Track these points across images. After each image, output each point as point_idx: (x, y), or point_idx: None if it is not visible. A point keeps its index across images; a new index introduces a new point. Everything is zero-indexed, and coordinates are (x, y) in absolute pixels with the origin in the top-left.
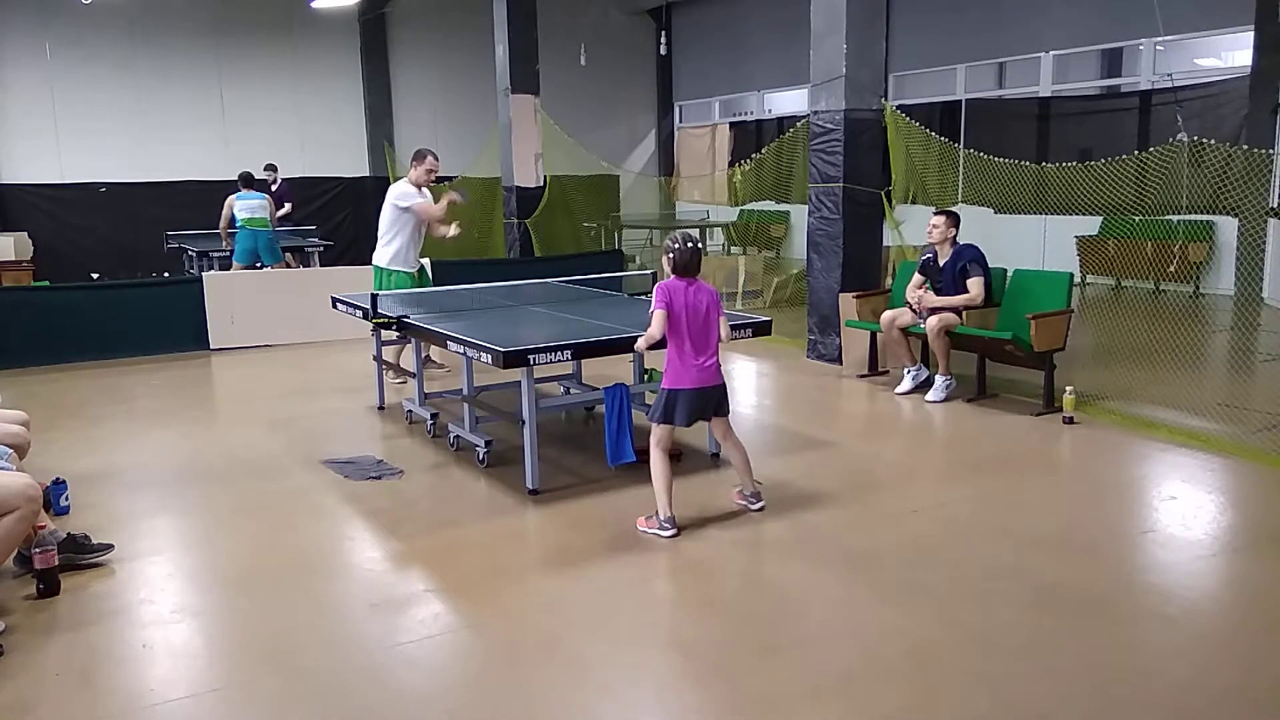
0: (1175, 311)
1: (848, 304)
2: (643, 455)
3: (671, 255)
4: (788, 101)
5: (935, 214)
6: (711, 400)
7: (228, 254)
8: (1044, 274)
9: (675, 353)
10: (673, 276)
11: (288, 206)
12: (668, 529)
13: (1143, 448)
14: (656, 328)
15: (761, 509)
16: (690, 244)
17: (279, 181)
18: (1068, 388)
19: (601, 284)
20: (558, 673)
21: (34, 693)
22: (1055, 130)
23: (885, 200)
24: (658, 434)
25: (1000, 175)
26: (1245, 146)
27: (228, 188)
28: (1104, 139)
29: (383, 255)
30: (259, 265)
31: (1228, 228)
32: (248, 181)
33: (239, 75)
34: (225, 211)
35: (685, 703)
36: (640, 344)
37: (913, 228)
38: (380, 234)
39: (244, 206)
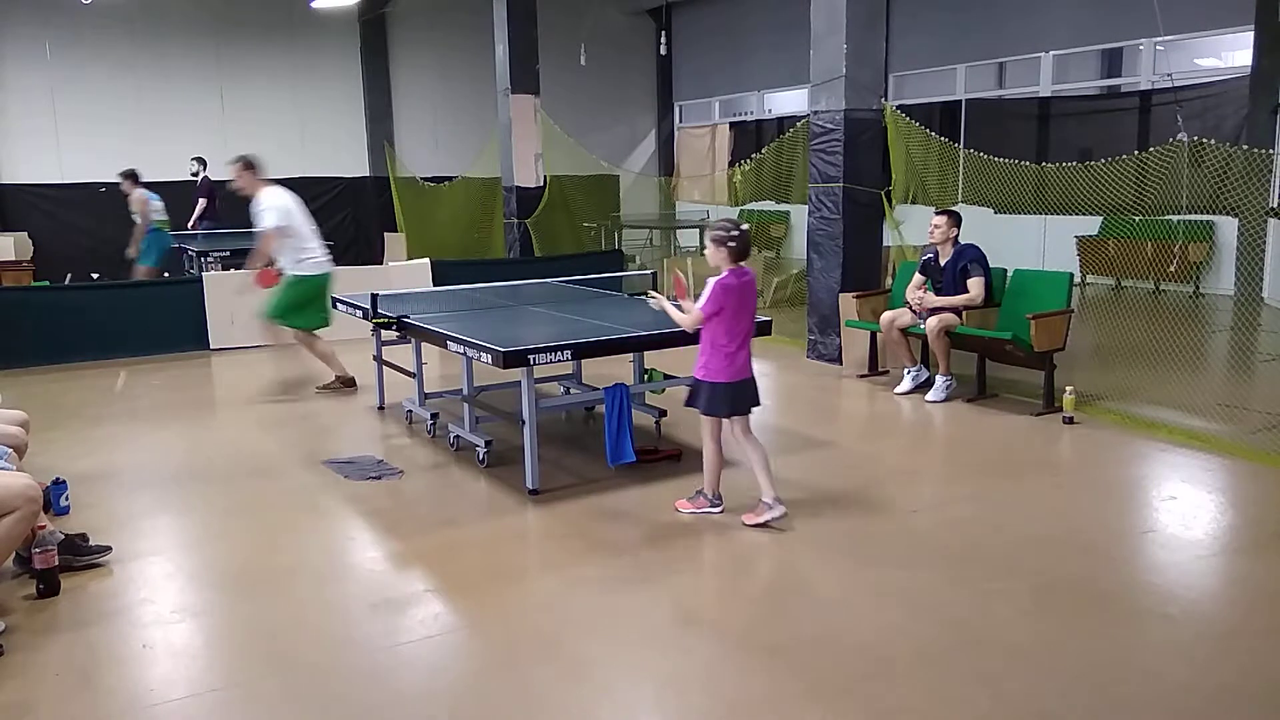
0: (1175, 311)
1: (848, 304)
2: (643, 455)
3: (733, 244)
4: (788, 101)
5: (937, 214)
6: (749, 392)
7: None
8: (1044, 274)
9: (722, 346)
10: (731, 269)
11: (201, 204)
12: (718, 505)
13: (1143, 448)
14: (692, 323)
15: (784, 514)
16: (744, 228)
17: (202, 177)
18: (1068, 388)
19: (601, 284)
20: (558, 673)
21: (34, 693)
22: (1055, 130)
23: (885, 200)
24: (709, 426)
25: (1000, 175)
26: (1245, 146)
27: (228, 187)
28: (1104, 139)
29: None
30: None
31: (1228, 228)
32: (135, 177)
33: (239, 75)
34: (140, 206)
35: (685, 703)
36: (684, 323)
37: (913, 228)
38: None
39: (158, 209)
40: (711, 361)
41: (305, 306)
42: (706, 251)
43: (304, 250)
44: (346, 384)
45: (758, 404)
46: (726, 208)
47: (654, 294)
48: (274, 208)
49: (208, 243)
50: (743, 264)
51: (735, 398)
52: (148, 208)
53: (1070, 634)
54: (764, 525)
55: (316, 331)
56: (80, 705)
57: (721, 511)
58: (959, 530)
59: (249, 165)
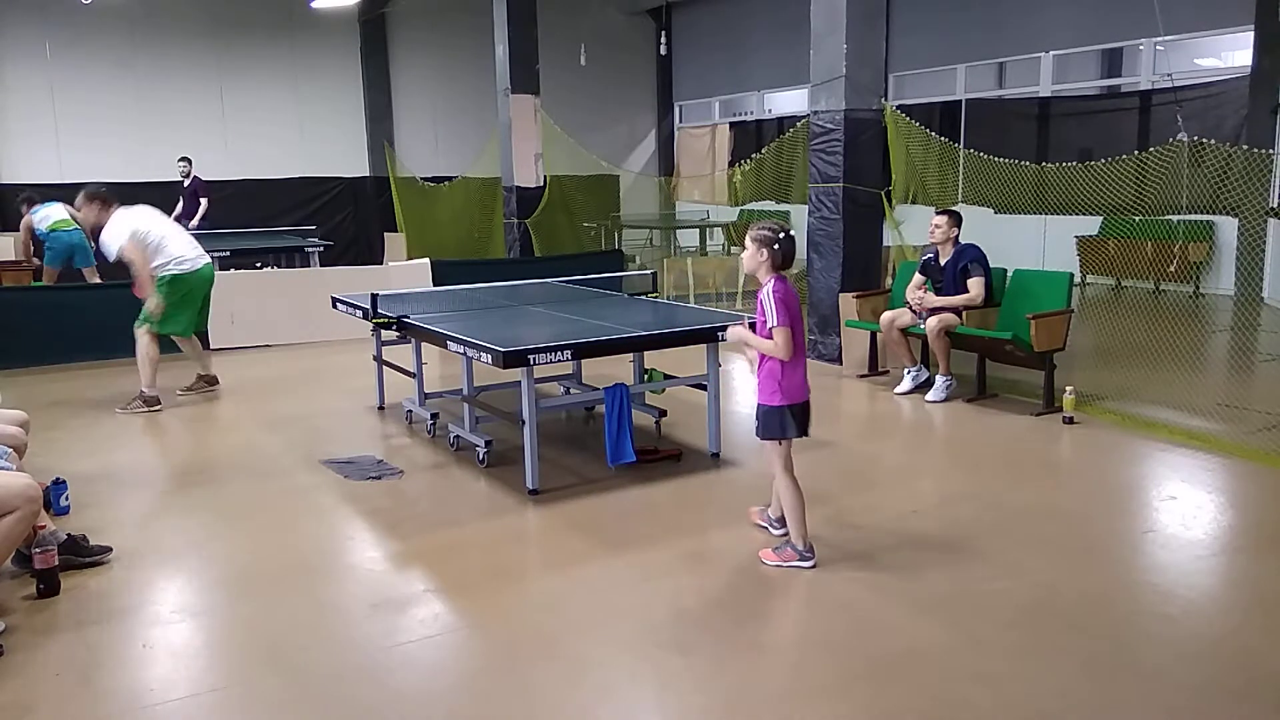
0: (1175, 311)
1: (848, 304)
2: (643, 455)
3: (778, 247)
4: (788, 101)
5: (937, 214)
6: (809, 413)
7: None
8: (1044, 274)
9: (795, 362)
10: (775, 275)
11: (203, 204)
12: (809, 559)
13: (1143, 448)
14: (785, 348)
15: (785, 535)
16: (791, 233)
17: (193, 177)
18: (1068, 388)
19: (601, 284)
20: (558, 673)
21: (34, 693)
22: (1055, 130)
23: (885, 200)
24: (783, 455)
25: (1000, 175)
26: (1245, 146)
27: (228, 187)
28: (1104, 139)
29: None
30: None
31: (1228, 228)
32: (31, 201)
33: (239, 75)
34: (23, 235)
35: (685, 703)
36: (776, 351)
37: (913, 228)
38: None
39: (43, 216)
40: (786, 382)
41: (177, 311)
42: (745, 254)
43: (171, 257)
44: (150, 403)
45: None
46: (726, 208)
47: (733, 327)
48: (116, 237)
49: (206, 243)
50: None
51: (803, 417)
52: (33, 232)
53: (1070, 633)
54: (764, 529)
55: (176, 336)
56: (80, 705)
57: (813, 566)
58: (959, 530)
59: (92, 197)
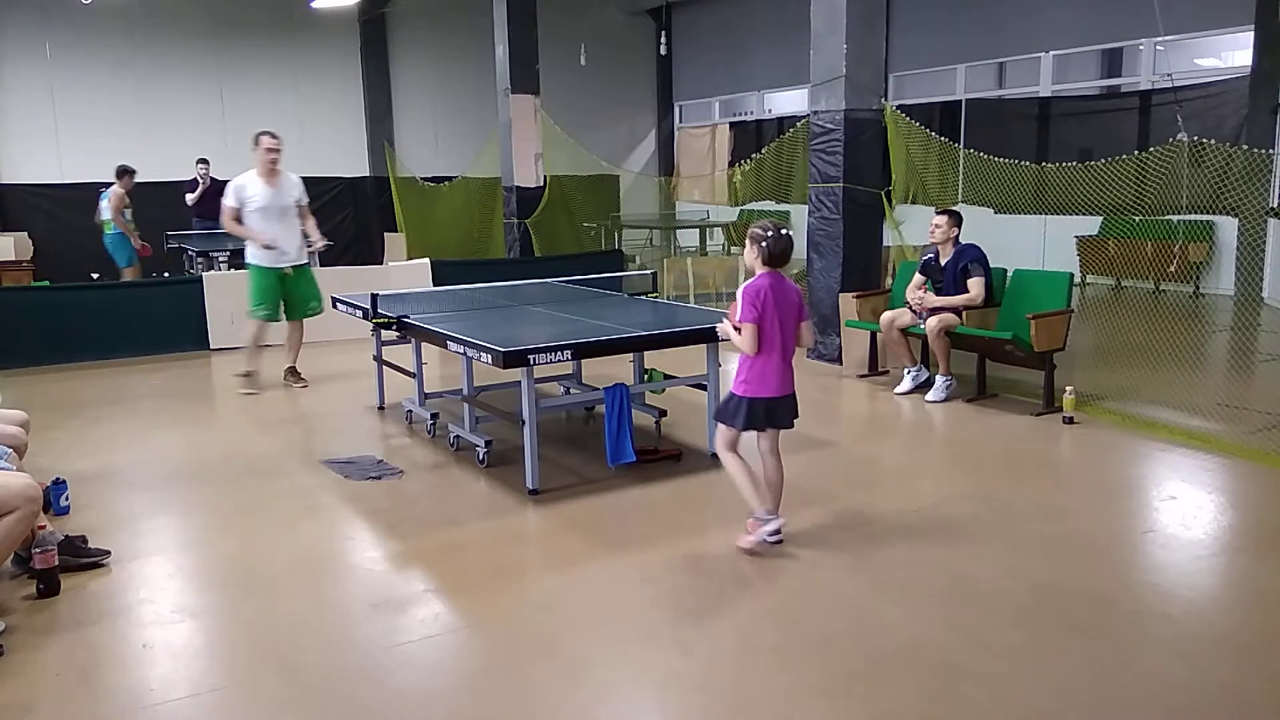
0: (1175, 311)
1: (848, 304)
2: (643, 455)
3: (765, 244)
4: (788, 101)
5: (938, 214)
6: (786, 409)
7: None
8: (1044, 274)
9: (759, 358)
10: (762, 272)
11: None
12: (772, 517)
13: (1143, 448)
14: (748, 343)
15: (777, 533)
16: (784, 231)
17: (209, 180)
18: (1068, 388)
19: (601, 284)
20: (558, 673)
21: (34, 693)
22: (1055, 130)
23: (885, 200)
24: (727, 436)
25: (1000, 175)
26: (1245, 146)
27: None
28: (1104, 139)
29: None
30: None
31: (1228, 228)
32: (118, 174)
33: (239, 75)
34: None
35: (685, 703)
36: (740, 345)
37: (913, 228)
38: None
39: (103, 207)
40: (751, 375)
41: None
42: (745, 251)
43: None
44: (251, 377)
45: (790, 424)
46: (726, 208)
47: (723, 324)
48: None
49: (208, 243)
50: (779, 271)
51: (754, 414)
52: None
53: (1070, 633)
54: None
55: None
56: (80, 705)
57: (781, 524)
58: (959, 530)
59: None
